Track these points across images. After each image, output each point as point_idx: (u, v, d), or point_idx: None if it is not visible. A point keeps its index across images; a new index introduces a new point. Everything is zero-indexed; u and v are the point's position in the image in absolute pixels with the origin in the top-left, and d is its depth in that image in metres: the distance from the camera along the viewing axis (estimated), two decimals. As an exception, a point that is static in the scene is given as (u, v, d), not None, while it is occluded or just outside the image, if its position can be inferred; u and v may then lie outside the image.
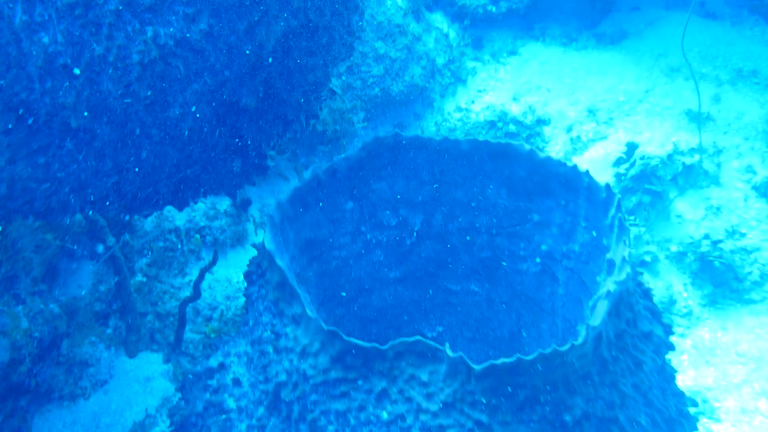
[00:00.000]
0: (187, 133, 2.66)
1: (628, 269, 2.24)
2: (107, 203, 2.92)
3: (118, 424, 4.15)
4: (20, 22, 2.16)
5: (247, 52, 2.45)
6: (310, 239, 2.75)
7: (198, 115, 2.60)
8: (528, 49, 6.48)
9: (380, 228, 2.86)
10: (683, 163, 5.47)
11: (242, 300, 4.94)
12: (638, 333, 2.39)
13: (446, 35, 6.19)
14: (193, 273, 4.99)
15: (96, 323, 3.70)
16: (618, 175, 5.49)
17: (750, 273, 4.99)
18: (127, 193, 2.88)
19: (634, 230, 5.26)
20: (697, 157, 5.52)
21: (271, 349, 2.49)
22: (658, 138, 5.72)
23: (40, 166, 2.63)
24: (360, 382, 2.31)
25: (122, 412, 4.32)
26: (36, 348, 3.15)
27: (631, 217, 5.30)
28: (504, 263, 2.85)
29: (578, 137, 5.87)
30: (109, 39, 2.20)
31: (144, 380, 4.53)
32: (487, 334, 3.02)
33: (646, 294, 2.52)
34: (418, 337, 2.21)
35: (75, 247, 4.16)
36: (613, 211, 2.42)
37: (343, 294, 2.96)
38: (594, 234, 2.54)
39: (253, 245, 2.70)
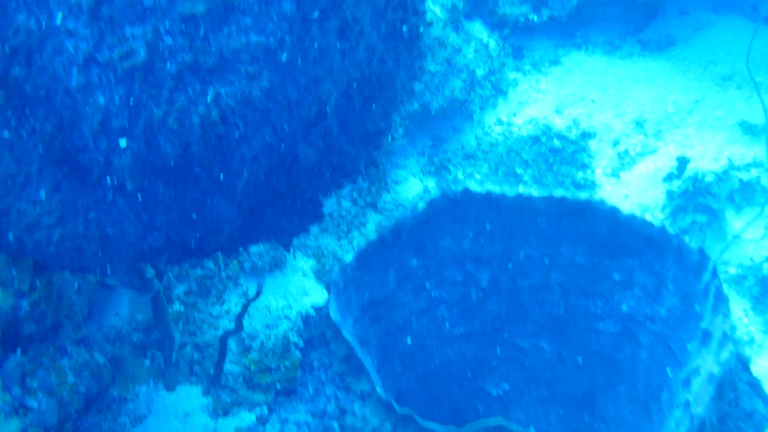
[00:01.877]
0: (243, 187, 2.50)
1: (731, 347, 2.05)
2: (157, 256, 2.78)
3: (158, 461, 4.03)
4: (77, 85, 2.01)
5: (309, 106, 2.27)
6: (372, 299, 2.58)
7: (255, 170, 2.43)
8: (570, 59, 6.24)
9: (445, 284, 2.68)
10: (740, 180, 5.22)
11: (282, 328, 4.79)
12: (740, 413, 2.19)
13: (486, 45, 5.97)
14: (232, 300, 4.84)
15: (141, 368, 3.56)
16: (669, 192, 5.26)
17: (814, 297, 4.76)
18: (178, 246, 2.73)
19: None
20: (754, 172, 5.28)
21: (336, 426, 2.33)
22: (711, 152, 5.48)
23: (91, 222, 2.49)
24: (435, 467, 2.14)
25: (161, 449, 4.19)
26: (82, 403, 3.02)
27: (686, 237, 5.07)
28: (579, 321, 2.67)
29: (626, 151, 5.64)
30: (170, 102, 2.04)
31: (183, 415, 4.39)
32: (557, 393, 2.84)
33: (745, 366, 2.32)
34: (500, 420, 2.04)
35: (113, 283, 4.03)
36: (707, 276, 2.23)
37: (408, 340, 2.79)
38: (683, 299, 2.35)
39: (315, 309, 2.54)
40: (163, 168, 2.29)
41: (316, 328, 2.46)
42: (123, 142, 2.11)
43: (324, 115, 2.35)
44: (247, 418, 4.37)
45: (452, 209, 2.51)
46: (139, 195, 2.39)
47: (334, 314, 2.24)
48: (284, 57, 2.10)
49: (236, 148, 2.30)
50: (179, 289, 4.75)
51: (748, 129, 5.59)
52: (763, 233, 5.09)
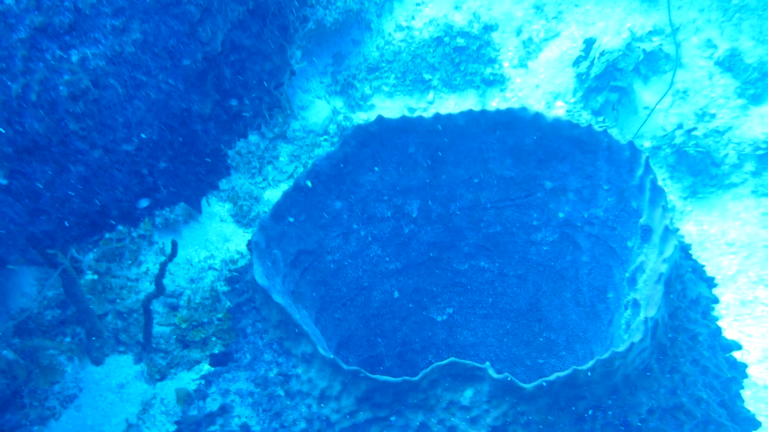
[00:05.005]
0: (135, 152, 2.22)
1: (674, 241, 1.97)
2: (51, 239, 2.50)
3: (99, 439, 3.83)
4: None
5: (192, 52, 2.00)
6: (299, 251, 2.40)
7: (146, 132, 2.16)
8: (460, -52, 5.96)
9: (374, 222, 2.51)
10: (644, 51, 5.18)
11: (208, 280, 4.56)
12: (688, 302, 2.16)
13: (371, -54, 5.62)
14: (149, 260, 4.56)
15: (60, 350, 3.27)
16: (579, 76, 5.18)
17: (726, 155, 4.83)
18: (74, 225, 2.46)
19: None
20: (656, 40, 5.24)
21: (281, 392, 2.18)
22: (613, 26, 5.40)
23: (-36, 223, 2.18)
24: (393, 419, 2.04)
25: (100, 426, 3.97)
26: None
27: (600, 118, 5.04)
28: (516, 235, 2.56)
29: (530, 39, 5.50)
30: (26, 74, 1.74)
31: (117, 387, 4.17)
32: (502, 308, 2.76)
33: (686, 251, 2.27)
34: (453, 359, 1.94)
35: (11, 266, 3.69)
36: (641, 171, 2.13)
37: (344, 285, 2.64)
38: (619, 197, 2.26)
39: (235, 271, 2.34)
40: (37, 148, 2.00)
41: (240, 293, 2.27)
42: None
43: (212, 59, 2.08)
44: (186, 377, 4.20)
45: (369, 142, 2.31)
46: (15, 181, 2.10)
47: (261, 278, 2.05)
48: (152, 1, 1.81)
49: (118, 112, 2.02)
50: (88, 257, 4.43)
51: (645, -3, 5.52)
52: (671, 101, 5.10)
